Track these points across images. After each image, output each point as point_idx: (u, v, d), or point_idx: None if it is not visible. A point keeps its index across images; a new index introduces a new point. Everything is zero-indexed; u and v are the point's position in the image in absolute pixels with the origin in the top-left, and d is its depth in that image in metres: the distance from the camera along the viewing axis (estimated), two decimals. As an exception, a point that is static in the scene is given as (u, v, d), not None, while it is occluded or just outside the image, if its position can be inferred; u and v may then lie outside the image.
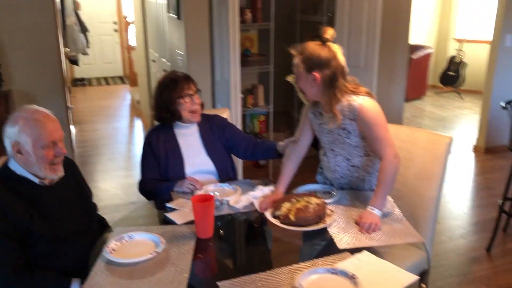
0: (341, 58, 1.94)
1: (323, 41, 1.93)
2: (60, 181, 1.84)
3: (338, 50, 1.94)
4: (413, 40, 5.51)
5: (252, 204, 2.05)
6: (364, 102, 1.96)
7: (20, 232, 1.68)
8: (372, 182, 2.16)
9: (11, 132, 1.72)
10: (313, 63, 1.92)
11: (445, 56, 8.13)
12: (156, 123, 2.52)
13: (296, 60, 1.96)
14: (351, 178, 2.17)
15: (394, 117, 4.61)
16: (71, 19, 6.83)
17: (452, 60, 7.72)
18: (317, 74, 1.91)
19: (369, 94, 2.01)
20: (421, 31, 8.14)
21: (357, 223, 1.86)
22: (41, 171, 1.75)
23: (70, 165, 1.95)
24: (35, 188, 1.77)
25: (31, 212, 1.70)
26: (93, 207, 2.08)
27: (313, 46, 1.93)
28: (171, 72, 2.44)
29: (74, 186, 1.95)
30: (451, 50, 8.09)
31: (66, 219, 1.83)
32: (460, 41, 7.71)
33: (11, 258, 1.66)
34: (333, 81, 1.92)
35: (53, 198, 1.81)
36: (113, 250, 1.68)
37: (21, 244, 1.69)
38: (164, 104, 2.34)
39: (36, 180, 1.77)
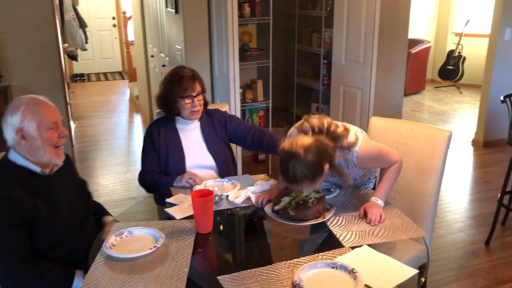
0: (325, 141, 1.77)
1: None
2: (58, 171, 1.85)
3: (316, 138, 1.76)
4: (412, 34, 5.49)
5: (250, 199, 2.06)
6: (359, 148, 1.89)
7: (26, 222, 1.68)
8: (368, 186, 2.26)
9: (13, 119, 1.71)
10: (317, 173, 1.72)
11: (444, 50, 8.12)
12: (157, 116, 2.52)
13: (310, 183, 1.73)
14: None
15: (393, 112, 4.61)
16: (69, 15, 6.81)
17: (451, 54, 7.70)
18: (325, 167, 1.76)
19: (355, 135, 1.93)
20: (420, 25, 8.13)
21: (362, 215, 1.87)
22: (46, 155, 1.75)
23: (65, 157, 1.95)
24: (37, 178, 1.77)
25: (35, 203, 1.70)
26: (89, 195, 2.09)
27: (304, 162, 1.67)
28: (179, 68, 2.37)
29: (71, 175, 1.96)
30: (450, 44, 8.07)
31: (68, 208, 1.83)
32: (458, 35, 7.70)
33: (19, 248, 1.66)
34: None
35: (55, 187, 1.81)
36: (113, 245, 1.69)
37: (27, 234, 1.69)
38: (166, 99, 2.33)
39: (38, 170, 1.76)
